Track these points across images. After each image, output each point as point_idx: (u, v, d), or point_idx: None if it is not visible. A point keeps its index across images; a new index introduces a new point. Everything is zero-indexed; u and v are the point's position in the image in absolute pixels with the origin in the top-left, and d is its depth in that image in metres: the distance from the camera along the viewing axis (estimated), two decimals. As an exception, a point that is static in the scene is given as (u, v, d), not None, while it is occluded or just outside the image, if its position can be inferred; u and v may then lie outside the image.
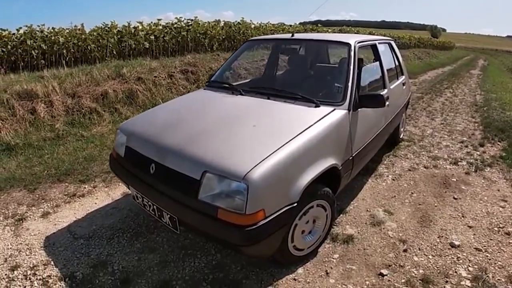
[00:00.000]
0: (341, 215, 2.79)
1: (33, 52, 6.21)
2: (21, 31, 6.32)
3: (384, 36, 4.81)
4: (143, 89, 5.88)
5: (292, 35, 3.35)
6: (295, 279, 2.08)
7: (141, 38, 8.43)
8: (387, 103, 2.59)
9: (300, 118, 2.21)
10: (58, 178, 3.35)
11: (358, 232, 2.58)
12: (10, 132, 4.01)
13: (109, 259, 2.22)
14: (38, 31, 6.50)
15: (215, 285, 2.00)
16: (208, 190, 1.75)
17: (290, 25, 13.73)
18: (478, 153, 4.22)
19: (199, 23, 9.42)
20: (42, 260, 2.20)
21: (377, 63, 3.25)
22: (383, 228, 2.64)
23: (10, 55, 6.04)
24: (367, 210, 2.89)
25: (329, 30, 15.78)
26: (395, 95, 3.51)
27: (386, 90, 3.14)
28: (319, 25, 16.38)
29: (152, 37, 8.61)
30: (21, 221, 2.65)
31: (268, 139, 1.95)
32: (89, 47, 7.40)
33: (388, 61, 3.57)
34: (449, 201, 3.09)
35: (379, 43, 3.42)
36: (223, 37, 10.09)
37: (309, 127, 2.08)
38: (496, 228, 2.65)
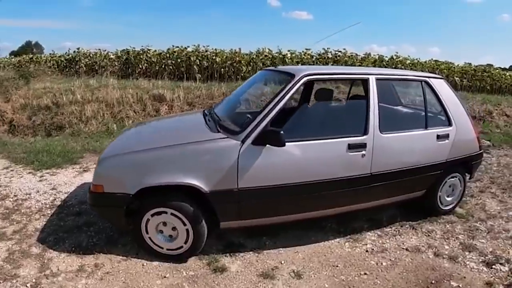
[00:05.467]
0: (250, 252, 2.94)
1: (195, 67, 9.13)
2: (189, 49, 9.40)
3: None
4: (246, 108, 7.64)
5: (275, 67, 4.19)
6: (143, 266, 2.76)
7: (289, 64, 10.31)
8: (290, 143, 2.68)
9: (190, 137, 2.88)
10: (129, 155, 5.55)
11: (237, 272, 2.70)
12: (135, 121, 6.68)
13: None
14: (202, 50, 9.44)
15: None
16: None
17: (451, 63, 13.65)
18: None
19: (348, 55, 10.40)
20: (67, 190, 4.39)
21: (364, 101, 3.12)
22: (263, 283, 2.60)
23: (178, 67, 9.17)
24: (281, 262, 2.81)
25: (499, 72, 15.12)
26: (402, 147, 3.20)
27: (365, 137, 3.00)
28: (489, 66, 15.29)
29: (300, 64, 10.31)
30: (84, 171, 5.01)
31: (151, 143, 2.99)
32: (242, 68, 9.88)
33: (409, 103, 3.91)
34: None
35: (380, 79, 3.19)
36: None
37: (184, 144, 2.76)
38: None
